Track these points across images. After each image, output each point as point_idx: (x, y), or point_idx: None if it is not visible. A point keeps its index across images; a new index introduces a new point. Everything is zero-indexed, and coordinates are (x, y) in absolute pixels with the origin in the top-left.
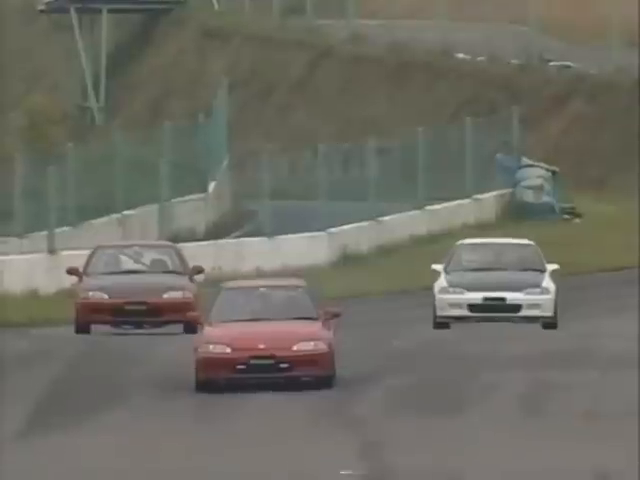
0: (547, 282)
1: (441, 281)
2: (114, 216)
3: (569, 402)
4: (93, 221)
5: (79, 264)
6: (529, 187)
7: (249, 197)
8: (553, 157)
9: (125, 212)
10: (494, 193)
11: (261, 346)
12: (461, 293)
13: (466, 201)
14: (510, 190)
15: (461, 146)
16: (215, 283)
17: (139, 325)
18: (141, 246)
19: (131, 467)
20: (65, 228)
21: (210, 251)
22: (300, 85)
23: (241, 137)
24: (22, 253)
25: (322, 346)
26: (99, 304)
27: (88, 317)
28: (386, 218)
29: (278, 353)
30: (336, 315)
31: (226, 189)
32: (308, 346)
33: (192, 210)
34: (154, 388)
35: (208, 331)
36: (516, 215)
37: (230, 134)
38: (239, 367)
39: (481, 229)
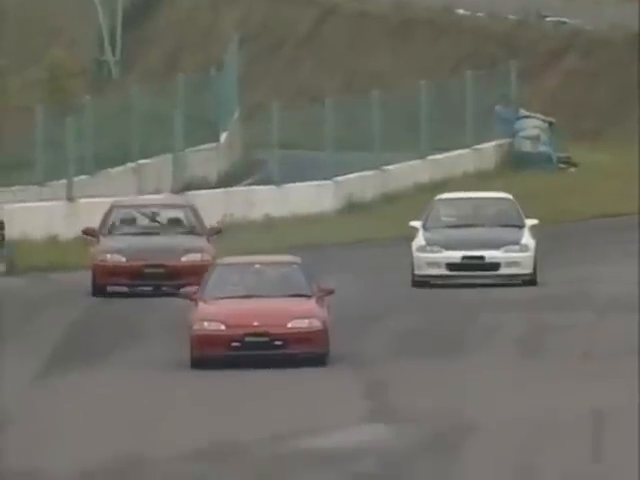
0: (526, 238)
1: (419, 239)
2: (130, 165)
3: (568, 343)
4: (110, 170)
5: (96, 211)
6: (527, 137)
7: (259, 147)
8: (550, 109)
9: (140, 161)
10: (493, 143)
11: (256, 323)
12: (439, 252)
13: (466, 151)
14: (508, 140)
15: (462, 98)
16: (228, 230)
17: (157, 288)
18: (158, 205)
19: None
20: (83, 177)
21: (222, 198)
22: (308, 40)
23: (251, 90)
24: (42, 200)
25: (317, 323)
26: (117, 267)
27: (105, 280)
28: (390, 167)
29: (272, 330)
30: (330, 292)
31: (237, 139)
32: (303, 323)
33: (204, 159)
34: (166, 328)
35: (202, 308)
36: (514, 164)
37: (241, 87)
38: (234, 344)
39: (481, 178)
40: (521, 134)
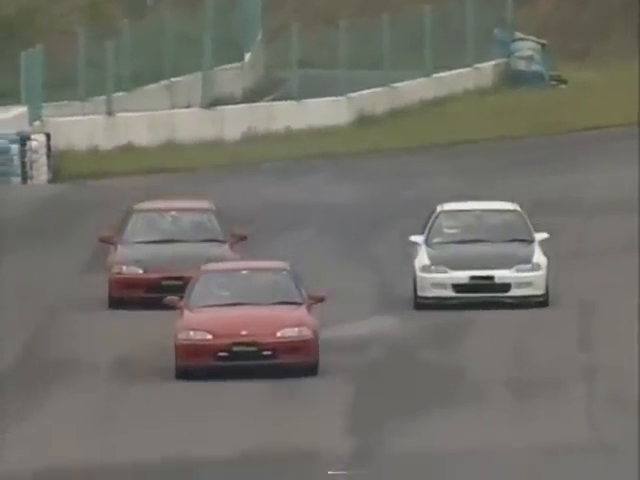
0: (538, 256)
1: (422, 257)
2: (163, 82)
3: (559, 243)
4: (145, 87)
5: (133, 124)
6: (521, 57)
7: (280, 66)
8: (542, 32)
9: (173, 79)
10: (491, 63)
11: (244, 332)
12: (445, 272)
13: (467, 70)
14: (505, 60)
15: (462, 22)
16: (252, 141)
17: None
18: (178, 210)
19: None
20: (121, 93)
21: (246, 113)
22: None
23: (273, 14)
24: (84, 115)
25: (307, 332)
26: (133, 279)
27: (121, 293)
28: (398, 84)
29: (261, 340)
30: (320, 299)
31: (260, 59)
32: (292, 332)
33: (230, 77)
34: None
35: (188, 316)
36: (510, 82)
37: (263, 11)
38: (221, 354)
39: (480, 94)
40: (516, 54)
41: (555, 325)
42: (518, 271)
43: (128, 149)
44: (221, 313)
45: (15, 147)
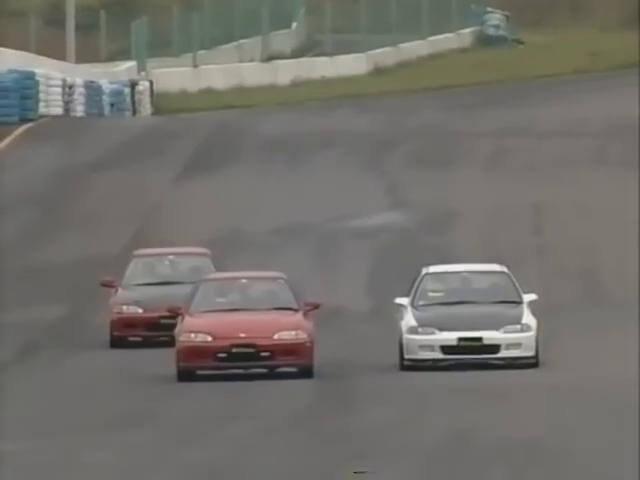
0: (527, 317)
1: (409, 319)
2: (234, 43)
3: (518, 159)
4: (221, 47)
5: (212, 74)
6: (491, 25)
7: (318, 32)
8: (506, 6)
9: (240, 41)
10: (469, 29)
11: (242, 335)
12: (432, 333)
13: (452, 34)
14: (479, 27)
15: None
16: (298, 87)
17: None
18: (177, 254)
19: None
20: (203, 51)
21: (293, 65)
22: None
23: None
24: (177, 66)
25: (303, 336)
26: (133, 319)
27: (122, 332)
28: (403, 45)
29: (259, 342)
30: (316, 306)
31: (303, 26)
32: (289, 335)
33: (282, 40)
34: (261, 148)
35: (189, 321)
36: (483, 43)
37: None
38: (220, 355)
39: (461, 52)
40: (488, 23)
41: (515, 216)
42: (507, 332)
43: (208, 92)
44: (221, 317)
45: (127, 90)
